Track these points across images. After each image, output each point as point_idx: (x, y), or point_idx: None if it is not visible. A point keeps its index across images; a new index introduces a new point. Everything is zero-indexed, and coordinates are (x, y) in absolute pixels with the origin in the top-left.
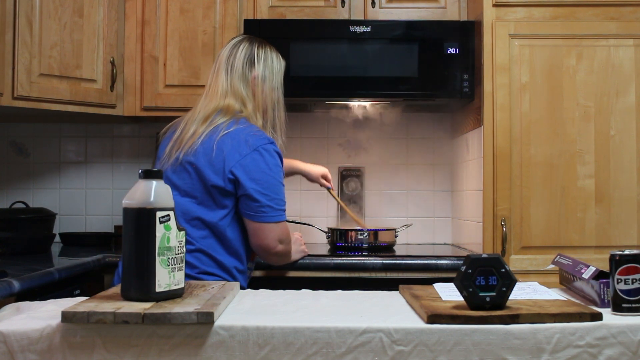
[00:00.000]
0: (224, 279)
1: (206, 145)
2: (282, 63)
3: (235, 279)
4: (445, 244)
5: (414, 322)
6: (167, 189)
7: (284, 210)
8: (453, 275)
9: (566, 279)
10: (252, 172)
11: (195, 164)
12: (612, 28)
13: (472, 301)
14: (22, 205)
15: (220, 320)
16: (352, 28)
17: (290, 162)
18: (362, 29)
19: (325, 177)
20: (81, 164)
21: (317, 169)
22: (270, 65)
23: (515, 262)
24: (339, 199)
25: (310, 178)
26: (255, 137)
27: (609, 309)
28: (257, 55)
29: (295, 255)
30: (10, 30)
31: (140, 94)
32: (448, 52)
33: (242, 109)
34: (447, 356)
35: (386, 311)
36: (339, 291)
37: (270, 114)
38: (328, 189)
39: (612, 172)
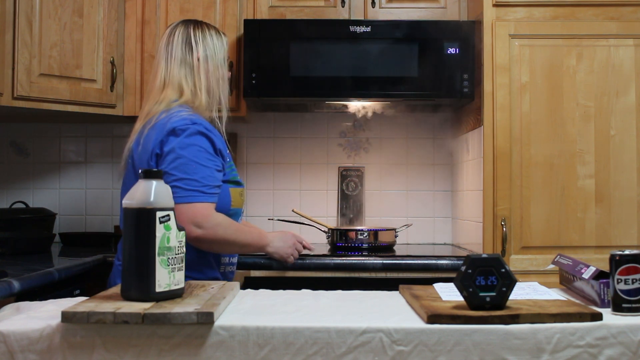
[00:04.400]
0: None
1: (137, 141)
2: (224, 39)
3: (205, 276)
4: (445, 244)
5: (414, 322)
6: (167, 189)
7: (202, 192)
8: (453, 275)
9: (566, 279)
10: (167, 153)
11: (133, 161)
12: (612, 28)
13: (472, 301)
14: (22, 205)
15: (220, 320)
16: (352, 28)
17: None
18: (362, 29)
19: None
20: (81, 164)
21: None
22: (211, 44)
23: (515, 262)
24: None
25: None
26: (173, 121)
27: (609, 309)
28: (195, 37)
29: (280, 250)
30: (10, 30)
31: (140, 94)
32: (448, 52)
33: (179, 96)
34: (447, 356)
35: (386, 311)
36: (339, 291)
37: (217, 91)
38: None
39: (612, 172)
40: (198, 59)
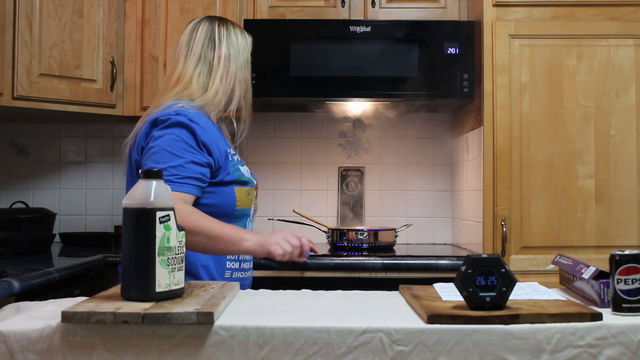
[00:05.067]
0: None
1: (133, 137)
2: (248, 39)
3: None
4: (445, 244)
5: (414, 322)
6: (167, 188)
7: (167, 180)
8: (453, 275)
9: (566, 279)
10: (146, 144)
11: (130, 157)
12: (612, 28)
13: (472, 301)
14: (22, 205)
15: (220, 320)
16: (352, 28)
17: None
18: (362, 29)
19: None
20: (81, 164)
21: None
22: (235, 43)
23: (515, 262)
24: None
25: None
26: (159, 113)
27: (609, 309)
28: (219, 34)
29: (262, 241)
30: (10, 30)
31: (140, 94)
32: (448, 52)
33: (183, 90)
34: (447, 356)
35: (386, 311)
36: (339, 291)
37: (238, 92)
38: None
39: (612, 172)
40: (220, 57)
